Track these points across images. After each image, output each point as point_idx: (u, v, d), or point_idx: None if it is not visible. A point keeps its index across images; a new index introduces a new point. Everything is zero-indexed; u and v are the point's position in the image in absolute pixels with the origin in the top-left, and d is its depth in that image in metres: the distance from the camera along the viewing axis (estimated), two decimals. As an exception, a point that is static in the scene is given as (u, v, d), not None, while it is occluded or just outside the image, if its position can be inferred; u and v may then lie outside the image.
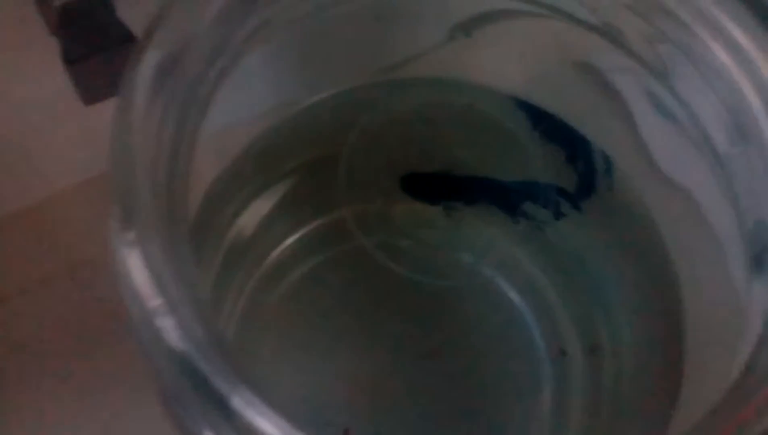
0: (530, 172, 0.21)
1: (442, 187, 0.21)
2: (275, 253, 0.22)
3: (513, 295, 0.22)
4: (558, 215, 0.21)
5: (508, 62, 0.20)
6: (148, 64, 0.14)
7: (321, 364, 0.22)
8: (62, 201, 0.23)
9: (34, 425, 0.23)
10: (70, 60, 0.16)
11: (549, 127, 0.20)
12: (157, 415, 0.24)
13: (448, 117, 0.21)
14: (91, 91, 0.17)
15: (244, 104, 0.19)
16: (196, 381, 0.12)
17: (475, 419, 0.22)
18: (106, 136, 0.22)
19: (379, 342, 0.22)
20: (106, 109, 0.19)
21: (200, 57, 0.14)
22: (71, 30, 0.16)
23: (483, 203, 0.21)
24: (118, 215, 0.13)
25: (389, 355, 0.22)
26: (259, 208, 0.21)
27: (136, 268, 0.13)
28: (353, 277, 0.22)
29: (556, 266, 0.22)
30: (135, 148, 0.13)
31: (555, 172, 0.20)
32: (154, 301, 0.12)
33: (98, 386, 0.25)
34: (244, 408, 0.12)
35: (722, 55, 0.15)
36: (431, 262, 0.22)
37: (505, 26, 0.18)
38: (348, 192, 0.20)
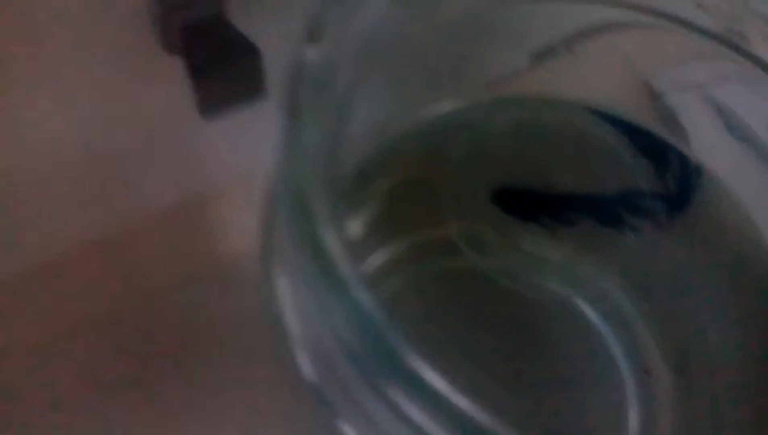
0: (629, 182, 0.21)
1: (535, 204, 0.22)
2: (370, 266, 0.22)
3: (597, 317, 0.22)
4: (659, 224, 0.21)
5: (598, 79, 0.21)
6: (308, 68, 0.14)
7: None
8: (143, 227, 0.23)
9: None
10: (196, 74, 0.17)
11: (640, 139, 0.21)
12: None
13: (545, 134, 0.21)
14: (211, 105, 0.18)
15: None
16: (379, 344, 0.12)
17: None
18: (197, 164, 0.23)
19: (466, 362, 0.22)
20: (204, 132, 0.20)
21: (349, 65, 0.15)
22: (196, 47, 0.17)
23: (582, 220, 0.22)
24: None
25: (475, 375, 0.22)
26: (356, 222, 0.21)
27: (327, 241, 0.13)
28: (446, 296, 0.22)
29: (638, 284, 0.22)
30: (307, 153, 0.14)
31: (649, 184, 0.21)
32: (346, 268, 0.12)
33: (169, 417, 0.24)
34: (418, 367, 0.12)
35: None
36: (525, 283, 0.22)
37: (600, 41, 0.19)
38: (452, 209, 0.21)
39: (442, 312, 0.22)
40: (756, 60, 0.17)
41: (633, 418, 0.21)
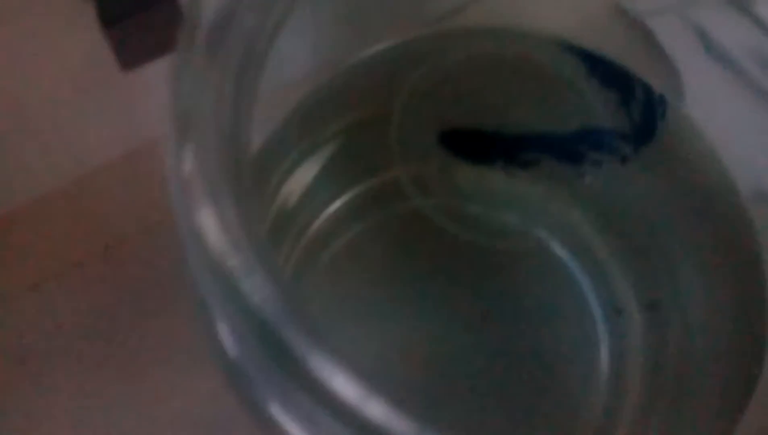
0: (590, 119, 0.20)
1: (486, 146, 0.21)
2: (320, 220, 0.21)
3: (566, 254, 0.21)
4: (623, 159, 0.20)
5: (559, 7, 0.19)
6: (205, 15, 0.13)
7: (370, 333, 0.21)
8: (95, 179, 0.22)
9: (73, 409, 0.23)
10: (107, 22, 0.16)
11: (605, 71, 0.20)
12: (204, 393, 0.24)
13: (502, 67, 0.20)
14: (130, 55, 0.17)
15: (285, 65, 0.18)
16: (273, 342, 0.12)
17: (529, 384, 0.21)
18: (141, 108, 0.22)
19: (430, 308, 0.21)
20: (139, 79, 0.18)
21: (256, 7, 0.14)
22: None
23: (539, 161, 0.20)
24: (185, 171, 0.12)
25: (441, 321, 0.21)
26: (305, 174, 0.20)
27: (208, 224, 0.12)
28: (400, 242, 0.21)
29: (606, 219, 0.21)
30: (196, 104, 0.13)
31: (612, 116, 0.20)
32: (231, 259, 0.12)
33: (137, 369, 0.24)
34: (321, 368, 0.11)
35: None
36: (485, 224, 0.21)
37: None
38: (400, 152, 0.20)
39: (397, 260, 0.21)
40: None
41: (604, 352, 0.21)
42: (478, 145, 0.20)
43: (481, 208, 0.21)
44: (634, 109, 0.20)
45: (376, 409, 0.11)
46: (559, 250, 0.21)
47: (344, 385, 0.11)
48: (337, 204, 0.21)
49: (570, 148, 0.20)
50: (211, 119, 0.12)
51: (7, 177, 0.20)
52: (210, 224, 0.12)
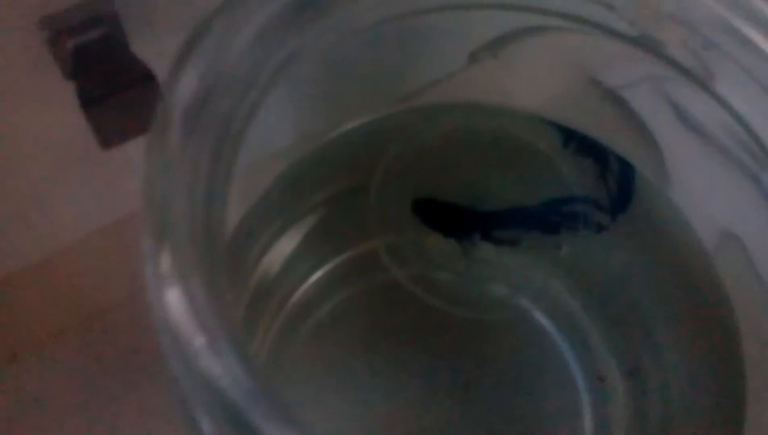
0: (564, 189, 0.20)
1: (459, 219, 0.21)
2: (301, 290, 0.21)
3: (546, 323, 0.21)
4: (598, 228, 0.20)
5: (531, 82, 0.20)
6: (180, 100, 0.13)
7: (352, 404, 0.21)
8: (76, 252, 0.22)
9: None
10: (86, 103, 0.16)
11: (578, 143, 0.20)
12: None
13: (476, 141, 0.20)
14: (109, 134, 0.17)
15: (267, 140, 0.19)
16: (244, 427, 0.11)
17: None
18: (120, 183, 0.22)
19: (412, 378, 0.21)
20: (120, 154, 0.19)
21: (232, 91, 0.14)
22: (86, 71, 0.16)
23: (512, 240, 0.21)
24: (154, 251, 0.12)
25: (423, 390, 0.21)
26: (285, 245, 0.20)
27: (176, 304, 0.12)
28: (381, 312, 0.21)
29: (587, 289, 0.21)
30: (170, 183, 0.13)
31: (588, 187, 0.20)
32: (197, 338, 0.12)
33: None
34: None
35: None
36: (464, 295, 0.21)
37: (530, 44, 0.18)
38: (378, 223, 0.20)
39: (377, 331, 0.21)
40: (673, 62, 0.16)
41: (588, 420, 0.21)
42: (452, 218, 0.21)
43: (459, 278, 0.21)
44: (610, 179, 0.20)
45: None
46: (541, 319, 0.21)
47: None
48: (317, 275, 0.21)
49: (545, 220, 0.20)
50: (185, 205, 0.13)
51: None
52: (179, 308, 0.12)
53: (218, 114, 0.13)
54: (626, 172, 0.20)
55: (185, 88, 0.13)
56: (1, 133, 0.18)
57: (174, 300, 0.12)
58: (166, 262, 0.12)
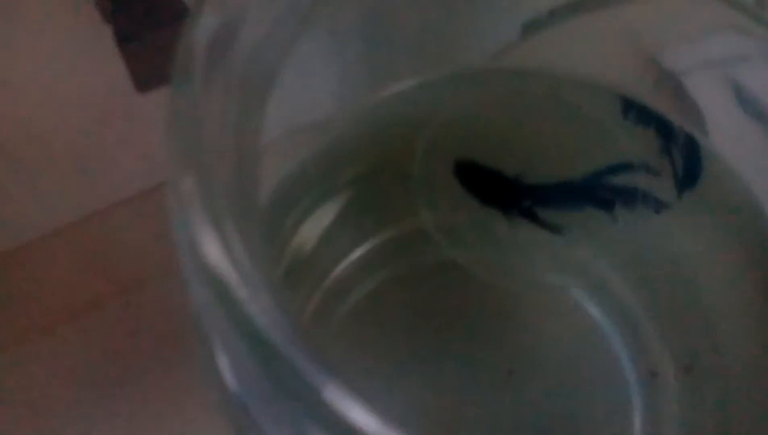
0: (621, 159, 0.19)
1: (500, 188, 0.20)
2: (340, 268, 0.20)
3: (596, 310, 0.20)
4: (658, 206, 0.19)
5: (589, 53, 0.19)
6: (203, 31, 0.13)
7: (389, 388, 0.20)
8: (113, 217, 0.22)
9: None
10: (123, 40, 0.15)
11: (639, 113, 0.19)
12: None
13: (528, 108, 0.19)
14: (146, 76, 0.16)
15: (307, 104, 0.18)
16: (283, 371, 0.11)
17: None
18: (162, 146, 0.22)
19: (454, 364, 0.20)
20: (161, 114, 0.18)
21: (261, 24, 0.13)
22: (125, 11, 0.15)
23: (566, 211, 0.20)
24: (187, 192, 0.12)
25: (464, 377, 0.20)
26: (323, 218, 0.20)
27: (212, 248, 0.11)
28: (424, 294, 0.20)
29: (641, 275, 0.20)
30: (196, 124, 0.12)
31: (649, 159, 0.19)
32: (232, 278, 0.11)
33: (149, 417, 0.23)
34: (337, 400, 0.10)
35: None
36: (519, 275, 0.20)
37: (588, 19, 0.17)
38: (426, 200, 0.19)
39: (419, 313, 0.20)
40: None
41: (638, 418, 0.20)
42: (493, 185, 0.20)
43: (516, 259, 0.20)
44: (675, 152, 0.19)
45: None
46: (591, 307, 0.20)
47: (363, 418, 0.10)
48: (357, 252, 0.20)
49: (597, 195, 0.19)
50: (213, 144, 0.12)
51: (22, 208, 0.20)
52: (212, 248, 0.11)
53: (246, 47, 0.13)
54: (693, 146, 0.19)
55: (210, 18, 0.12)
56: (42, 83, 0.17)
57: (208, 243, 0.11)
58: (197, 203, 0.12)
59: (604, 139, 0.19)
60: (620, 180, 0.19)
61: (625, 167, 0.19)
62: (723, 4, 0.17)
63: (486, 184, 0.20)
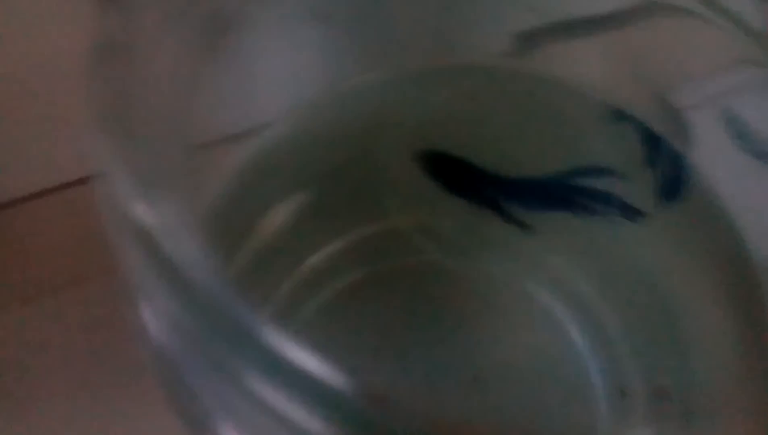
0: (598, 162, 0.19)
1: (468, 177, 0.19)
2: (312, 259, 0.20)
3: (572, 324, 0.20)
4: (633, 214, 0.19)
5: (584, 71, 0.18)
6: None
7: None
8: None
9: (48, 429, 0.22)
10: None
11: (623, 120, 0.19)
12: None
13: (505, 105, 0.19)
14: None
15: (287, 87, 0.18)
16: (217, 318, 0.11)
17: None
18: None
19: (420, 366, 0.20)
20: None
21: None
22: None
23: (522, 217, 0.19)
24: (109, 147, 0.11)
25: (428, 379, 0.20)
26: (294, 206, 0.19)
27: (135, 202, 0.11)
28: (394, 295, 0.20)
29: (618, 290, 0.20)
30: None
31: (630, 167, 0.19)
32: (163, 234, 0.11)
33: (123, 389, 0.23)
34: (276, 339, 0.10)
35: None
36: (483, 276, 0.20)
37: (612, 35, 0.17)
38: (397, 199, 0.19)
39: (394, 312, 0.20)
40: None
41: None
42: (461, 175, 0.19)
43: (492, 264, 0.20)
44: (659, 164, 0.19)
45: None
46: (564, 317, 0.20)
47: (304, 356, 0.10)
48: (329, 247, 0.20)
49: (570, 196, 0.19)
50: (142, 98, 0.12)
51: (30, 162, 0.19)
52: (133, 197, 0.11)
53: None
54: (678, 159, 0.19)
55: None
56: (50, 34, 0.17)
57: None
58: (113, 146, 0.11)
59: (579, 141, 0.19)
60: (593, 184, 0.19)
61: (597, 171, 0.19)
62: (731, 34, 0.17)
63: (451, 171, 0.19)
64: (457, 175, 0.19)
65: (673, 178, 0.19)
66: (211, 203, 0.17)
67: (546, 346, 0.20)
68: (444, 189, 0.19)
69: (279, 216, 0.20)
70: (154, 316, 0.12)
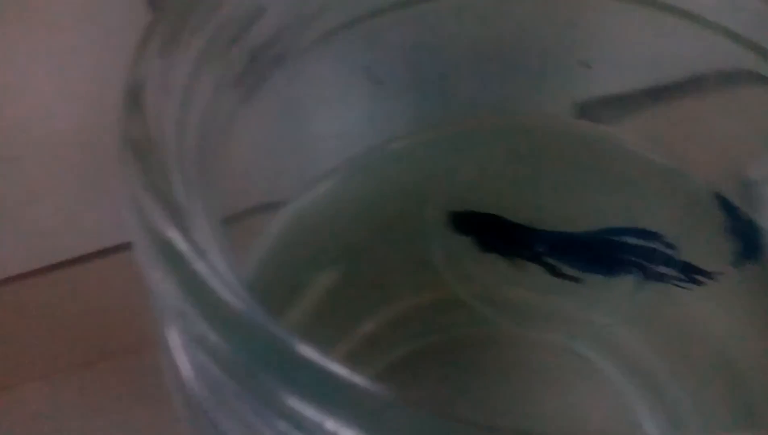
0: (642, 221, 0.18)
1: (503, 233, 0.19)
2: (362, 330, 0.19)
3: (633, 395, 0.19)
4: (691, 278, 0.18)
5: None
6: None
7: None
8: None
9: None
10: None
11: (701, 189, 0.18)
12: None
13: (560, 165, 0.19)
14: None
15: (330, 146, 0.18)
16: (251, 337, 0.10)
17: None
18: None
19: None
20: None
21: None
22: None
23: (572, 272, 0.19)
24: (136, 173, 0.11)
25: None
26: (335, 278, 0.19)
27: (165, 223, 0.11)
28: (445, 368, 0.19)
29: (677, 351, 0.19)
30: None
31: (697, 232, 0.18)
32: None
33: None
34: (312, 355, 0.10)
35: None
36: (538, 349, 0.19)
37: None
38: (453, 270, 0.18)
39: (456, 389, 0.19)
40: None
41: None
42: (495, 231, 0.19)
43: (548, 327, 0.19)
44: (737, 229, 0.18)
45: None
46: (619, 377, 0.19)
47: (337, 368, 0.10)
48: (369, 324, 0.19)
49: (608, 253, 0.19)
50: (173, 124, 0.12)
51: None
52: (163, 219, 0.11)
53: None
54: (751, 224, 0.18)
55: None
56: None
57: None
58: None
59: (633, 202, 0.18)
60: (643, 243, 0.18)
61: (642, 233, 0.18)
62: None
63: (481, 228, 0.19)
64: (489, 231, 0.19)
65: (749, 242, 0.18)
66: (254, 269, 0.17)
67: (601, 407, 0.19)
68: (479, 246, 0.19)
69: (326, 281, 0.19)
70: (187, 352, 0.11)
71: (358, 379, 0.10)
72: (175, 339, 0.12)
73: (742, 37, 0.16)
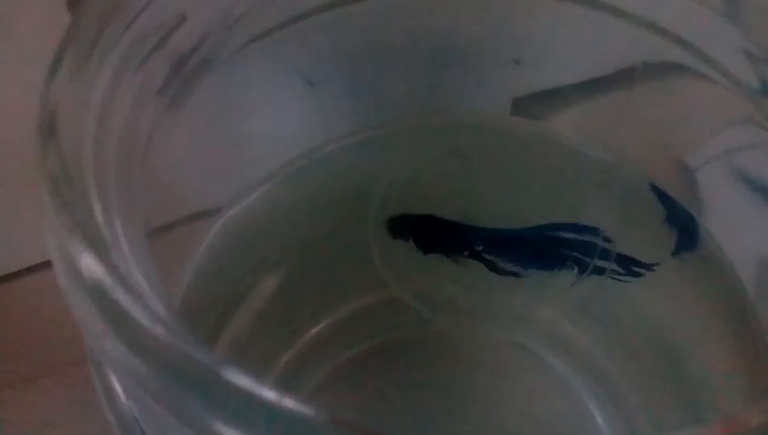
0: (579, 216, 0.18)
1: (440, 233, 0.19)
2: (308, 334, 0.19)
3: (580, 386, 0.19)
4: (629, 270, 0.18)
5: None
6: None
7: None
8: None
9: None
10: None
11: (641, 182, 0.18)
12: None
13: (495, 163, 0.19)
14: None
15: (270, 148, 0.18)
16: (179, 364, 0.10)
17: None
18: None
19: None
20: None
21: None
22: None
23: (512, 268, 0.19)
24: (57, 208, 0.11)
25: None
26: (276, 282, 0.19)
27: (86, 258, 0.10)
28: (391, 367, 0.19)
29: (621, 342, 0.19)
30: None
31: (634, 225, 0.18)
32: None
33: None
34: (239, 379, 0.10)
35: None
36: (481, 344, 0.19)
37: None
38: (391, 270, 0.18)
39: (401, 388, 0.19)
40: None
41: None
42: (432, 231, 0.19)
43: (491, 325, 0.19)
44: (674, 220, 0.18)
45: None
46: (574, 381, 0.19)
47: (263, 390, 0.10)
48: (319, 327, 0.19)
49: (546, 248, 0.19)
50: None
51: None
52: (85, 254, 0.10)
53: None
54: (688, 214, 0.18)
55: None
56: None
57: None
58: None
59: (569, 197, 0.18)
60: (578, 237, 0.19)
61: (578, 227, 0.19)
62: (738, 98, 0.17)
63: (419, 229, 0.19)
64: (427, 232, 0.19)
65: (686, 231, 0.18)
66: (191, 279, 0.17)
67: (551, 403, 0.19)
68: (419, 248, 0.19)
69: (267, 288, 0.19)
70: (118, 379, 0.11)
71: (287, 401, 0.09)
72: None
73: (669, 32, 0.16)
